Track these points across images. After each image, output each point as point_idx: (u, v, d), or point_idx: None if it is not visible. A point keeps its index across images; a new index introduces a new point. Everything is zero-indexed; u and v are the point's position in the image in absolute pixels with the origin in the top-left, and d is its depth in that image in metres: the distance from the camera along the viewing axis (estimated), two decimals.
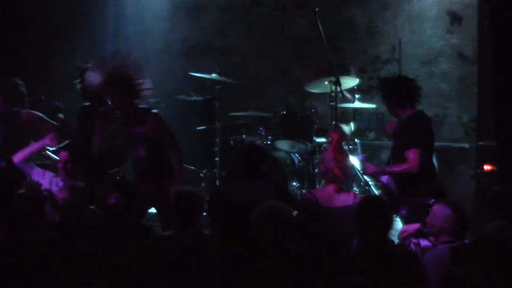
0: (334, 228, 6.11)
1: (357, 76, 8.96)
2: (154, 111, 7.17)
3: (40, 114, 7.64)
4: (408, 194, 6.88)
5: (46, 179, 6.89)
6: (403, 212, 6.95)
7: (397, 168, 6.88)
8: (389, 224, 5.39)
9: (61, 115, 7.91)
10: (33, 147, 7.32)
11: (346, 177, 6.68)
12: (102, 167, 7.42)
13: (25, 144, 7.45)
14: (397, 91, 6.98)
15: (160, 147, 7.12)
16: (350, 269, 4.97)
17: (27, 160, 7.23)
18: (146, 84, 7.08)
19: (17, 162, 7.06)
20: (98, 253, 5.17)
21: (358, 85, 9.03)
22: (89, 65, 7.48)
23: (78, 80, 7.58)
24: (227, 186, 7.33)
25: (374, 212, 5.31)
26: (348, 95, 8.92)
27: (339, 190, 6.38)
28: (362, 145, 9.24)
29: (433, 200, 6.74)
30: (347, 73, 9.07)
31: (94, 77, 6.97)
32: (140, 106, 7.10)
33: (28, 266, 5.01)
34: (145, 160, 7.03)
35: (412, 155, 6.71)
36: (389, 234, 5.49)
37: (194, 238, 5.73)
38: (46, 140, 7.31)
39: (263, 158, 6.77)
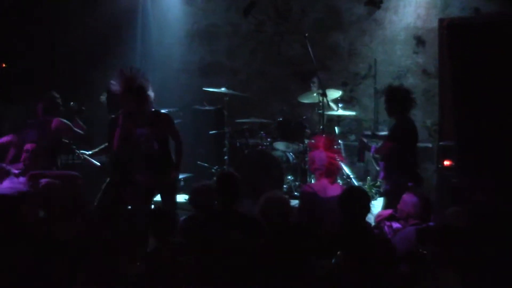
0: (329, 214, 6.07)
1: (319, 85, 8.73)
2: (163, 111, 7.19)
3: (68, 123, 7.57)
4: (392, 174, 7.06)
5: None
6: (387, 187, 7.11)
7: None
8: (367, 210, 5.36)
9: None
10: None
11: (339, 171, 6.73)
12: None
13: (53, 148, 7.39)
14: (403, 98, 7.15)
15: (167, 143, 7.08)
16: (334, 246, 4.93)
17: None
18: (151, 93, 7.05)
19: None
20: None
21: (341, 96, 9.04)
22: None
23: (105, 95, 7.55)
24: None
25: (355, 201, 5.28)
26: (334, 106, 8.92)
27: (332, 182, 6.41)
28: (344, 145, 9.24)
29: (411, 183, 6.81)
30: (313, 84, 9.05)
31: (115, 86, 6.89)
32: (151, 109, 7.06)
33: None
34: (156, 154, 6.92)
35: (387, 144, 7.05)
36: (366, 218, 5.45)
37: None
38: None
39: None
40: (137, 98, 6.84)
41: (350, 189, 5.69)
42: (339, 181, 8.51)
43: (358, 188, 6.18)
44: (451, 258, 4.67)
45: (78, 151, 7.39)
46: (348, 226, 5.23)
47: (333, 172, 6.52)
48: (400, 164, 7.00)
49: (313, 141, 6.84)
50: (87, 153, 7.38)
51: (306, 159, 8.34)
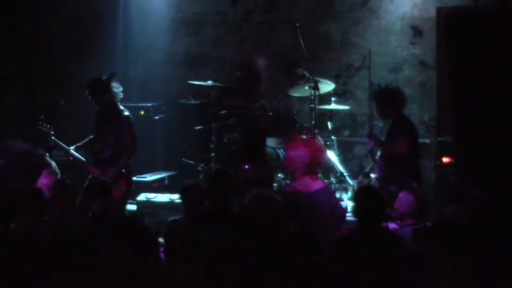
0: (314, 208, 6.19)
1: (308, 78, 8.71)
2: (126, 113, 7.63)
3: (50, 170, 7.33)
4: (397, 173, 7.20)
5: None
6: (393, 188, 7.06)
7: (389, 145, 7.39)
8: (384, 211, 5.31)
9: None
10: None
11: (323, 164, 6.92)
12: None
13: None
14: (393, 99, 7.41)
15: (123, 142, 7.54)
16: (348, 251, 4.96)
17: None
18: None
19: None
20: None
21: (334, 89, 9.06)
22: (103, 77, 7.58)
23: (88, 92, 7.61)
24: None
25: (371, 201, 5.19)
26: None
27: (315, 178, 6.48)
28: (338, 141, 9.28)
29: (415, 184, 6.89)
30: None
31: None
32: (120, 107, 7.62)
33: None
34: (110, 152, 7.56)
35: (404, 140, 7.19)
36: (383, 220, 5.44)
37: None
38: None
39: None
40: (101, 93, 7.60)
41: (362, 191, 5.63)
42: (332, 179, 8.61)
43: (370, 188, 6.14)
44: (449, 256, 4.72)
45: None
46: (364, 231, 5.15)
47: (316, 167, 6.60)
48: (408, 164, 7.09)
49: (289, 140, 6.82)
50: (72, 148, 7.54)
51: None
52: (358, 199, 5.29)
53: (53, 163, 7.24)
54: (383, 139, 7.83)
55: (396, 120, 7.35)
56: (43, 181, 6.75)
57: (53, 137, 7.58)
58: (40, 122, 7.58)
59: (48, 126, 7.61)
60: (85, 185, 7.50)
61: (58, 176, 7.13)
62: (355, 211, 5.26)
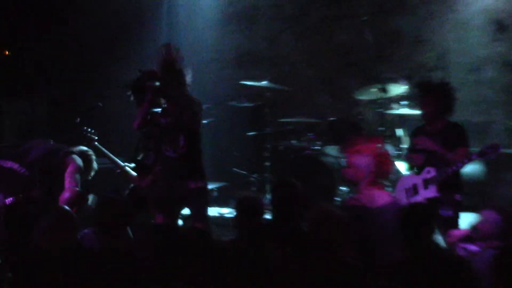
0: (380, 226, 5.98)
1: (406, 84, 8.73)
2: None
3: (76, 168, 7.03)
4: (454, 193, 6.79)
5: None
6: (450, 213, 6.77)
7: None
8: (433, 230, 5.16)
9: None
10: None
11: (390, 173, 6.82)
12: None
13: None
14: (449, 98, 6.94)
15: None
16: (396, 275, 4.84)
17: None
18: None
19: None
20: None
21: (406, 92, 8.92)
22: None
23: (129, 93, 7.47)
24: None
25: (419, 219, 5.10)
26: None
27: (381, 189, 6.36)
28: None
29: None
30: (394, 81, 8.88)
31: None
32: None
33: None
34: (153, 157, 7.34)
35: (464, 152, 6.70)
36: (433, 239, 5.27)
37: None
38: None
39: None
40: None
41: (410, 207, 5.55)
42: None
43: (418, 204, 6.00)
44: None
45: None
46: (411, 250, 5.07)
47: (383, 176, 6.48)
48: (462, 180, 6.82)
49: (351, 146, 6.64)
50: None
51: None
52: (404, 218, 5.21)
53: (78, 160, 7.03)
54: None
55: (455, 124, 6.99)
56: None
57: (96, 143, 7.58)
58: (85, 128, 7.62)
59: (92, 131, 7.64)
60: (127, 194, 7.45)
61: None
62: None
